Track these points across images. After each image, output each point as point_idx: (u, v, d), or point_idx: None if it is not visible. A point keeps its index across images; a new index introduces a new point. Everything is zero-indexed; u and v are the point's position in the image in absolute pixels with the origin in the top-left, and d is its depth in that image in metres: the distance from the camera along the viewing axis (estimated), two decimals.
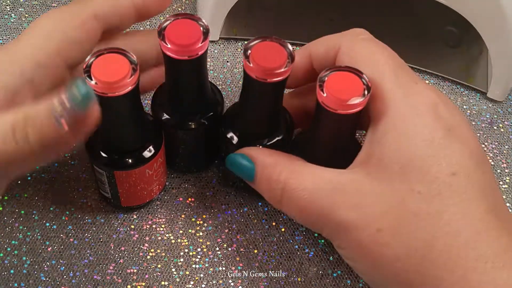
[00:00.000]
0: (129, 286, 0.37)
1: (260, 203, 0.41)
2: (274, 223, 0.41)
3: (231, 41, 0.49)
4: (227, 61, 0.48)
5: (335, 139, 0.34)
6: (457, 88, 0.49)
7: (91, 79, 0.31)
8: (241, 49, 0.49)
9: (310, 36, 0.50)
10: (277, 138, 0.37)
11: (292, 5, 0.52)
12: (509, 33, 0.43)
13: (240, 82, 0.47)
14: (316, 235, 0.40)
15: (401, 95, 0.31)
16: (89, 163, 0.42)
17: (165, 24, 0.33)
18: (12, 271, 0.37)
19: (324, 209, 0.31)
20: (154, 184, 0.39)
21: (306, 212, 0.32)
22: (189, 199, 0.41)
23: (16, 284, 0.37)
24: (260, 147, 0.36)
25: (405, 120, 0.30)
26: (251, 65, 0.32)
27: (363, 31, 0.34)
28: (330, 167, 0.35)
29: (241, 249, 0.39)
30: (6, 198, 0.40)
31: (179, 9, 0.51)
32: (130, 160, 0.36)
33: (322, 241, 0.40)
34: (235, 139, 0.37)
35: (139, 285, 0.38)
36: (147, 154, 0.36)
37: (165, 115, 0.38)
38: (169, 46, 0.33)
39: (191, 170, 0.42)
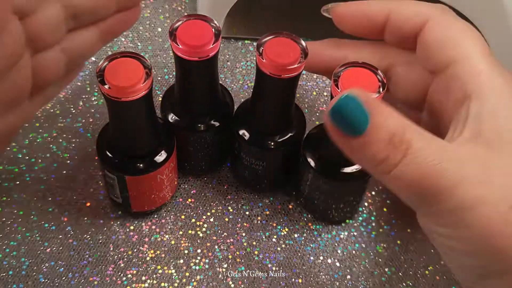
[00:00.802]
0: None
1: (260, 204, 0.41)
2: (274, 224, 0.40)
3: (231, 41, 0.49)
4: (227, 61, 0.48)
5: None
6: None
7: (105, 84, 0.31)
8: (241, 49, 0.49)
9: (309, 36, 0.50)
10: (289, 134, 0.37)
11: (292, 5, 0.52)
12: (510, 32, 0.43)
13: (241, 82, 0.47)
14: (316, 235, 0.40)
15: (500, 79, 0.30)
16: (92, 166, 0.42)
17: (176, 25, 0.33)
18: (10, 272, 0.37)
19: (448, 182, 0.27)
20: (165, 189, 0.39)
21: (426, 182, 0.27)
22: (189, 200, 0.41)
23: (15, 286, 0.37)
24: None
25: None
26: (265, 61, 0.32)
27: (449, 9, 0.34)
28: (343, 163, 0.35)
29: (241, 250, 0.39)
30: (4, 199, 0.40)
31: (179, 9, 0.51)
32: (141, 165, 0.36)
33: (323, 242, 0.40)
34: (247, 136, 0.37)
35: (138, 287, 0.37)
36: (159, 159, 0.36)
37: (175, 117, 0.37)
38: (180, 46, 0.33)
39: (201, 172, 0.42)
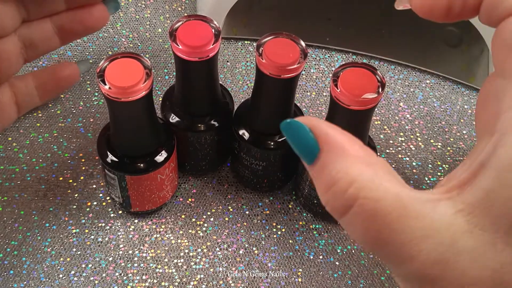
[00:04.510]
0: (129, 287, 0.37)
1: (260, 203, 0.41)
2: (274, 223, 0.41)
3: (231, 41, 0.49)
4: (227, 61, 0.48)
5: None
6: (458, 87, 0.49)
7: (105, 84, 0.31)
8: (241, 49, 0.49)
9: (310, 36, 0.50)
10: None
11: (292, 5, 0.52)
12: None
13: (240, 82, 0.47)
14: (316, 235, 0.40)
15: None
16: (93, 165, 0.42)
17: (176, 25, 0.33)
18: (11, 272, 0.37)
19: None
20: (166, 189, 0.39)
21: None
22: (189, 200, 0.41)
23: (15, 285, 0.37)
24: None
25: None
26: (264, 61, 0.32)
27: None
28: None
29: (242, 250, 0.39)
30: (5, 198, 0.40)
31: (179, 9, 0.51)
32: (142, 165, 0.36)
33: (323, 241, 0.40)
34: (247, 136, 0.37)
35: (139, 286, 0.37)
36: (159, 158, 0.36)
37: (175, 117, 0.37)
38: (180, 47, 0.33)
39: (202, 171, 0.42)
